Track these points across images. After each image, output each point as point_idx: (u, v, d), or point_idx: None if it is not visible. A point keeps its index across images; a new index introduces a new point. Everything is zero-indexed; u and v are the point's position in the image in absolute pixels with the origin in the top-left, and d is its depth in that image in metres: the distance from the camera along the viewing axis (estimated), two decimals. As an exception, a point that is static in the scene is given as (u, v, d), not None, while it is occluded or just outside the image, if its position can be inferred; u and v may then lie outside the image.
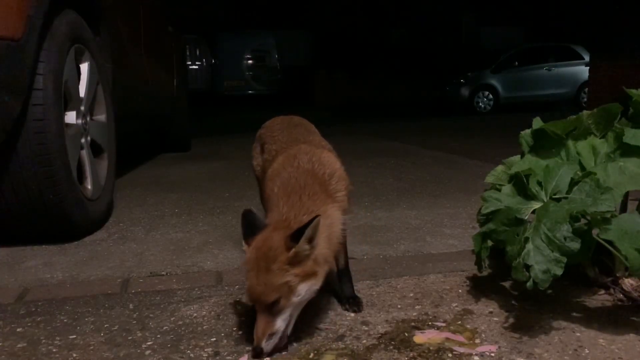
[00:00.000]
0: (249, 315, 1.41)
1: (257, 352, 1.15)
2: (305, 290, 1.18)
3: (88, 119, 2.50)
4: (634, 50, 9.76)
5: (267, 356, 1.17)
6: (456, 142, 6.13)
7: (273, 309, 1.15)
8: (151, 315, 1.44)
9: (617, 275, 1.46)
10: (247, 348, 1.23)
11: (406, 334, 1.28)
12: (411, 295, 1.54)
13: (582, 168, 1.42)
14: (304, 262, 1.17)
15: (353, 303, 1.43)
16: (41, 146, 2.00)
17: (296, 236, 1.15)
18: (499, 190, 1.44)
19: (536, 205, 1.34)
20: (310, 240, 1.16)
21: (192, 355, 1.21)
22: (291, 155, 1.40)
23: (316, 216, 1.16)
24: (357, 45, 19.96)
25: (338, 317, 1.39)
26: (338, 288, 1.49)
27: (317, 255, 1.19)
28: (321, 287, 1.23)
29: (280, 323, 1.16)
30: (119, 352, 1.23)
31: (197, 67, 18.39)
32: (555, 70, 14.03)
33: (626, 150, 1.41)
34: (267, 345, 1.15)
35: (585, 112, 1.56)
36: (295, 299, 1.17)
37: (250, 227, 1.23)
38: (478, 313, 1.40)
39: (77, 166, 2.30)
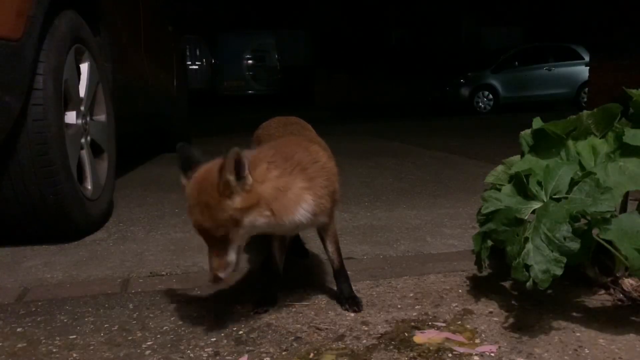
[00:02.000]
0: (249, 315, 1.42)
1: (216, 280, 1.21)
2: (249, 222, 1.20)
3: (88, 119, 2.50)
4: (634, 50, 9.76)
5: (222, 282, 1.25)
6: (456, 142, 6.13)
7: (225, 243, 1.19)
8: (151, 315, 1.44)
9: (617, 275, 1.46)
10: (248, 348, 1.23)
11: (406, 334, 1.28)
12: (411, 295, 1.54)
13: (582, 168, 1.41)
14: (239, 195, 1.18)
15: (353, 303, 1.43)
16: (41, 146, 2.00)
17: (222, 168, 1.16)
18: (499, 190, 1.44)
19: (536, 205, 1.34)
20: (238, 174, 1.17)
21: (192, 355, 1.21)
22: (281, 141, 1.42)
23: (233, 149, 1.16)
24: (357, 45, 19.96)
25: (338, 317, 1.39)
26: (336, 289, 1.49)
27: (261, 192, 1.20)
28: (277, 220, 1.24)
29: (232, 255, 1.21)
30: (119, 352, 1.23)
31: (197, 67, 18.40)
32: (555, 70, 14.03)
33: (626, 150, 1.41)
34: (223, 274, 1.21)
35: (585, 112, 1.56)
36: (242, 231, 1.21)
37: (187, 160, 1.24)
38: (478, 313, 1.40)
39: (77, 166, 2.30)
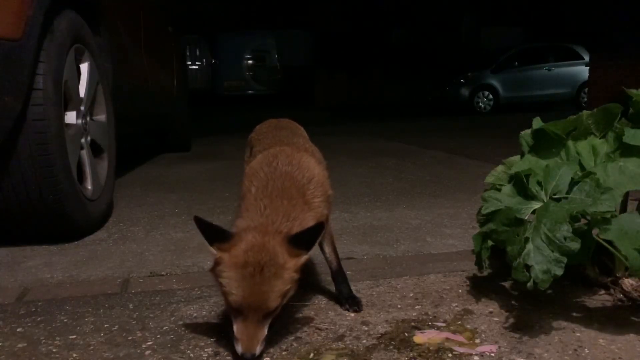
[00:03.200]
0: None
1: (251, 359, 1.12)
2: (293, 291, 1.19)
3: (88, 119, 2.50)
4: (634, 50, 9.76)
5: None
6: (456, 142, 6.13)
7: (269, 315, 1.14)
8: (151, 315, 1.44)
9: (617, 275, 1.46)
10: (247, 348, 1.23)
11: (406, 334, 1.28)
12: (411, 295, 1.54)
13: (582, 168, 1.41)
14: (302, 268, 1.17)
15: (353, 303, 1.43)
16: (41, 146, 2.00)
17: (298, 241, 1.14)
18: (499, 190, 1.44)
19: (536, 205, 1.34)
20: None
21: (192, 355, 1.21)
22: (271, 155, 1.38)
23: (321, 223, 1.17)
24: (357, 45, 19.95)
25: (338, 317, 1.39)
26: (335, 290, 1.49)
27: None
28: None
29: (266, 326, 1.15)
30: (119, 352, 1.23)
31: (197, 67, 18.41)
32: (555, 70, 14.04)
33: (626, 150, 1.41)
34: (259, 349, 1.14)
35: (585, 112, 1.56)
36: (283, 301, 1.17)
37: (212, 231, 1.16)
38: (478, 313, 1.40)
39: (77, 166, 2.30)
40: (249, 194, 1.29)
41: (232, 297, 1.12)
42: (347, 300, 1.44)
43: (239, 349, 1.12)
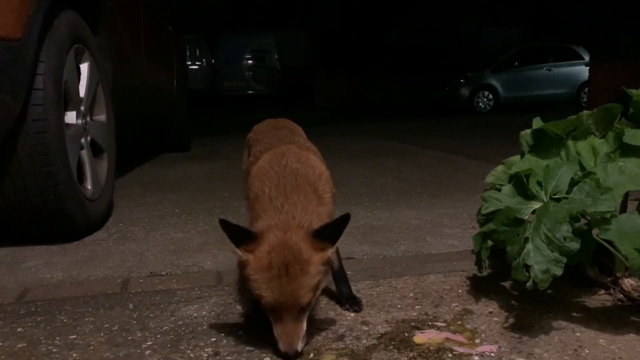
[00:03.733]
0: (249, 316, 1.42)
1: (296, 357, 1.13)
2: (324, 283, 1.19)
3: (88, 119, 2.50)
4: (633, 50, 9.76)
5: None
6: (456, 142, 6.13)
7: (304, 310, 1.14)
8: (151, 315, 1.44)
9: (617, 275, 1.46)
10: (248, 348, 1.23)
11: (406, 334, 1.28)
12: (411, 295, 1.54)
13: (582, 168, 1.41)
14: (329, 260, 1.17)
15: (353, 303, 1.43)
16: (41, 146, 2.00)
17: (322, 234, 1.14)
18: (499, 190, 1.44)
19: (536, 205, 1.34)
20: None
21: (192, 355, 1.21)
22: (278, 154, 1.38)
23: (347, 214, 1.16)
24: (357, 45, 19.96)
25: (338, 317, 1.39)
26: (335, 289, 1.49)
27: None
28: None
29: (305, 322, 1.15)
30: (119, 352, 1.23)
31: (197, 67, 18.42)
32: (555, 70, 14.04)
33: (626, 150, 1.41)
34: (302, 345, 1.14)
35: (585, 112, 1.56)
36: (317, 294, 1.17)
37: (237, 232, 1.16)
38: (478, 313, 1.40)
39: (77, 166, 2.30)
40: (262, 194, 1.28)
41: (264, 299, 1.12)
42: (348, 300, 1.44)
43: (281, 347, 1.13)
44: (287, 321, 1.12)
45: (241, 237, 1.15)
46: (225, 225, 1.14)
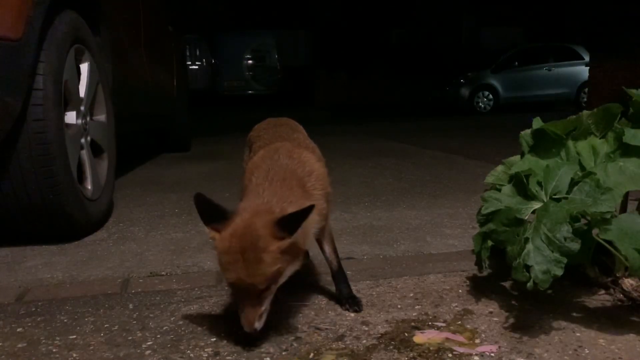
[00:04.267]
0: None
1: (253, 332, 1.17)
2: (290, 271, 1.21)
3: (88, 119, 2.50)
4: (634, 50, 9.76)
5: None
6: (456, 142, 6.13)
7: (263, 294, 1.17)
8: (151, 315, 1.44)
9: (617, 275, 1.46)
10: (247, 348, 1.23)
11: (406, 334, 1.28)
12: (411, 295, 1.54)
13: (582, 168, 1.41)
14: (294, 247, 1.18)
15: (353, 303, 1.43)
16: (41, 146, 2.00)
17: (285, 223, 1.14)
18: (499, 190, 1.44)
19: (536, 205, 1.34)
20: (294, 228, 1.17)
21: (192, 355, 1.21)
22: (272, 150, 1.40)
23: (311, 205, 1.16)
24: (357, 45, 19.95)
25: (338, 317, 1.39)
26: (335, 290, 1.49)
27: (300, 239, 1.20)
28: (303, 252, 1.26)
29: (266, 304, 1.19)
30: (119, 352, 1.23)
31: (197, 67, 18.40)
32: (555, 70, 14.03)
33: (626, 150, 1.41)
34: (259, 325, 1.18)
35: (585, 112, 1.56)
36: (281, 280, 1.20)
37: (209, 211, 1.18)
38: (478, 313, 1.40)
39: (77, 166, 2.30)
40: (249, 184, 1.31)
41: (226, 279, 1.18)
42: (347, 300, 1.44)
43: (242, 324, 1.17)
44: (247, 302, 1.16)
45: (214, 215, 1.18)
46: (199, 200, 1.17)
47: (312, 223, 1.27)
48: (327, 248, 1.46)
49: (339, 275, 1.47)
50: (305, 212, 1.14)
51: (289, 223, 1.14)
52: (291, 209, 1.20)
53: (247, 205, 1.22)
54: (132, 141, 5.74)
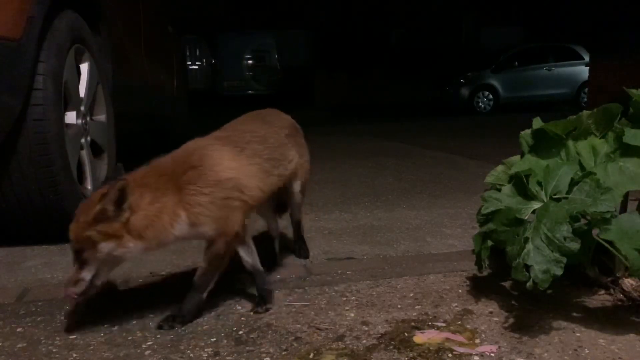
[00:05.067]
0: (249, 315, 1.42)
1: (65, 294, 1.26)
2: (107, 249, 1.24)
3: (88, 119, 2.50)
4: (634, 50, 9.76)
5: (76, 299, 1.30)
6: (456, 142, 6.13)
7: (79, 259, 1.25)
8: (151, 315, 1.44)
9: (617, 275, 1.46)
10: (248, 348, 1.23)
11: (406, 334, 1.28)
12: (411, 295, 1.54)
13: (582, 168, 1.41)
14: (109, 222, 1.22)
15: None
16: (41, 146, 2.00)
17: (106, 195, 1.22)
18: (499, 190, 1.44)
19: (536, 205, 1.34)
20: (119, 204, 1.22)
21: (192, 355, 1.21)
22: (192, 143, 1.49)
23: (122, 180, 1.23)
24: (357, 45, 19.94)
25: (338, 317, 1.39)
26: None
27: (131, 223, 1.24)
28: (130, 255, 1.29)
29: (85, 273, 1.25)
30: (119, 352, 1.23)
31: (197, 67, 18.39)
32: (555, 70, 14.02)
33: (626, 150, 1.41)
34: (72, 290, 1.25)
35: (585, 112, 1.56)
36: (97, 255, 1.25)
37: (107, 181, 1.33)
38: (478, 313, 1.40)
39: (77, 166, 2.30)
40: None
41: None
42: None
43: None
44: (73, 264, 1.26)
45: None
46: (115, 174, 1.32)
47: (158, 222, 1.27)
48: (208, 253, 1.41)
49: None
50: (114, 190, 1.20)
51: (108, 197, 1.21)
52: (136, 192, 1.26)
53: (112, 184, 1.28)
54: (132, 141, 5.73)
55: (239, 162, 1.40)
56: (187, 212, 1.30)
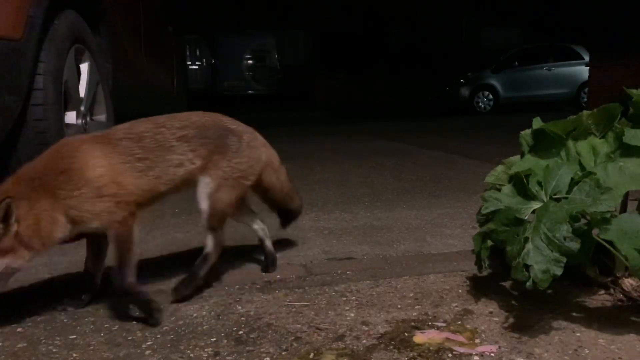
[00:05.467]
0: (249, 315, 1.42)
1: None
2: (4, 265, 1.26)
3: (88, 119, 2.50)
4: (633, 50, 9.76)
5: None
6: (456, 142, 6.12)
7: None
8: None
9: (617, 275, 1.46)
10: (248, 348, 1.23)
11: (406, 334, 1.28)
12: (411, 295, 1.54)
13: (582, 168, 1.42)
14: (1, 240, 1.24)
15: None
16: (41, 146, 2.00)
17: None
18: (499, 190, 1.44)
19: (536, 205, 1.34)
20: (5, 220, 1.23)
21: (192, 355, 1.21)
22: (52, 149, 1.44)
23: (5, 198, 1.22)
24: (357, 45, 19.94)
25: (338, 317, 1.39)
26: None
27: (19, 234, 1.25)
28: (27, 264, 1.32)
29: None
30: (119, 352, 1.23)
31: (197, 67, 18.38)
32: (555, 70, 14.02)
33: (626, 150, 1.41)
34: None
35: (585, 112, 1.56)
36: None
37: None
38: (478, 313, 1.40)
39: (77, 166, 2.30)
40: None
41: None
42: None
43: None
44: None
45: None
46: None
47: (41, 226, 1.29)
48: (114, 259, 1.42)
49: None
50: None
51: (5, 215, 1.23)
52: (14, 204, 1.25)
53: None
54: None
55: (109, 159, 1.38)
56: (64, 215, 1.32)
